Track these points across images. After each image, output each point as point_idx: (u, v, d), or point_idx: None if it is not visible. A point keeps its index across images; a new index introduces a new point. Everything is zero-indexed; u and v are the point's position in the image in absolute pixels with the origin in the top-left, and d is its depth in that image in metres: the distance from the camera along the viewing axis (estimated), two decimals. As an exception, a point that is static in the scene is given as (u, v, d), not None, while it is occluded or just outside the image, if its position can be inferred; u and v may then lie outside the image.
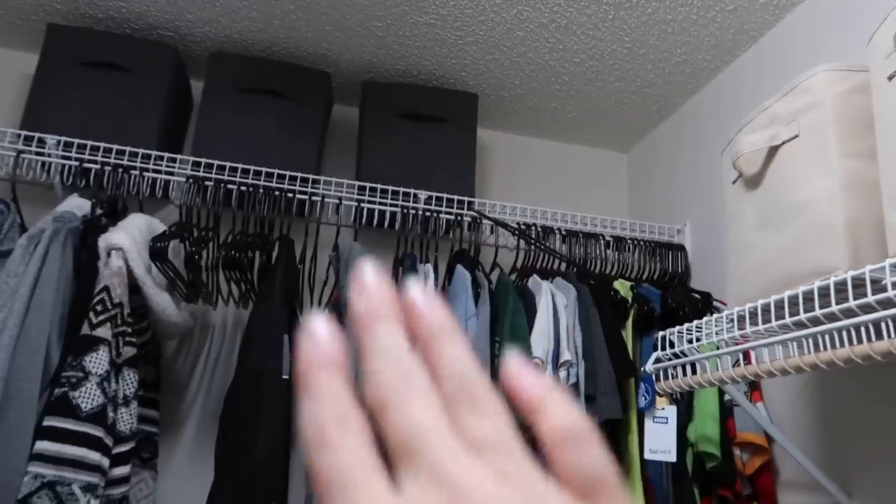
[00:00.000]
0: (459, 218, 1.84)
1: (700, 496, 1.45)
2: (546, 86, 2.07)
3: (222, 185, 1.70)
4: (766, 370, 1.04)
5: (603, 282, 1.67)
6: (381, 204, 1.83)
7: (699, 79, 1.96)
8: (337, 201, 1.78)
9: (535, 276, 1.65)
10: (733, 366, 1.14)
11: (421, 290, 0.25)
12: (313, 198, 1.78)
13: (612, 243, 1.85)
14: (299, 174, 1.78)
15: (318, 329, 0.23)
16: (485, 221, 1.84)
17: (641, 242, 1.88)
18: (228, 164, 1.74)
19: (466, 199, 1.86)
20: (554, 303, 1.55)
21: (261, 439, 1.35)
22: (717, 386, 1.43)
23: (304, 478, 1.69)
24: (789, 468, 1.42)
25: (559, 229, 1.84)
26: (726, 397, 1.44)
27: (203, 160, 1.75)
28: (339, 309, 1.70)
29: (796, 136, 1.10)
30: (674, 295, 1.64)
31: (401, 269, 1.66)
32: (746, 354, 1.23)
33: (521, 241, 1.80)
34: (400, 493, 0.20)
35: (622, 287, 1.66)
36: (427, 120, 1.97)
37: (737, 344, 1.13)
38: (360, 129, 2.00)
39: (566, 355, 1.46)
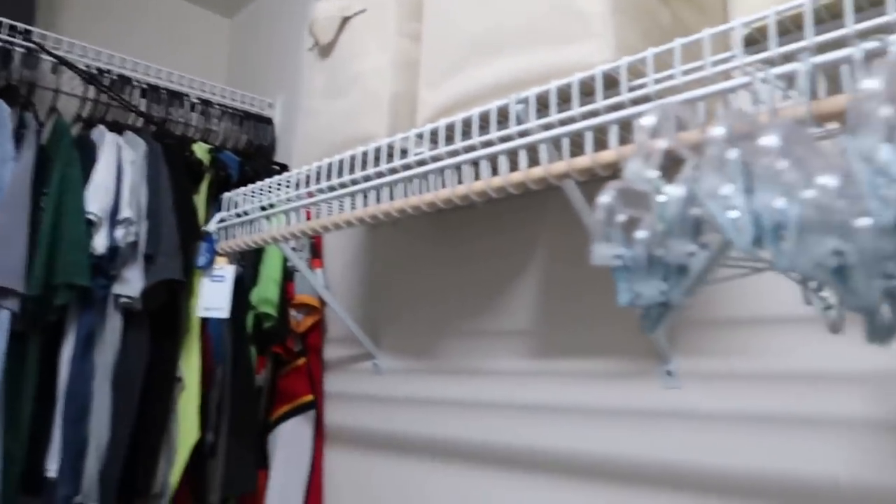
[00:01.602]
0: (10, 48, 1.52)
1: (257, 354, 1.53)
2: (140, -83, 1.80)
3: None
4: (310, 227, 1.10)
5: (181, 143, 1.58)
6: None
7: (307, -46, 1.93)
8: None
9: (101, 126, 1.47)
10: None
11: None
12: None
13: (198, 106, 1.75)
14: None
15: None
16: (45, 58, 1.55)
17: (230, 110, 1.81)
18: None
19: (22, 25, 1.54)
20: (119, 157, 1.41)
21: None
22: (281, 252, 1.50)
23: None
24: (336, 326, 1.58)
25: (140, 82, 1.67)
26: (289, 263, 1.52)
27: None
28: None
29: (364, 11, 1.16)
30: (253, 164, 1.64)
31: None
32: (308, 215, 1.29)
33: (91, 89, 1.58)
34: None
35: (200, 150, 1.58)
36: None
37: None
38: None
39: (126, 213, 1.34)
